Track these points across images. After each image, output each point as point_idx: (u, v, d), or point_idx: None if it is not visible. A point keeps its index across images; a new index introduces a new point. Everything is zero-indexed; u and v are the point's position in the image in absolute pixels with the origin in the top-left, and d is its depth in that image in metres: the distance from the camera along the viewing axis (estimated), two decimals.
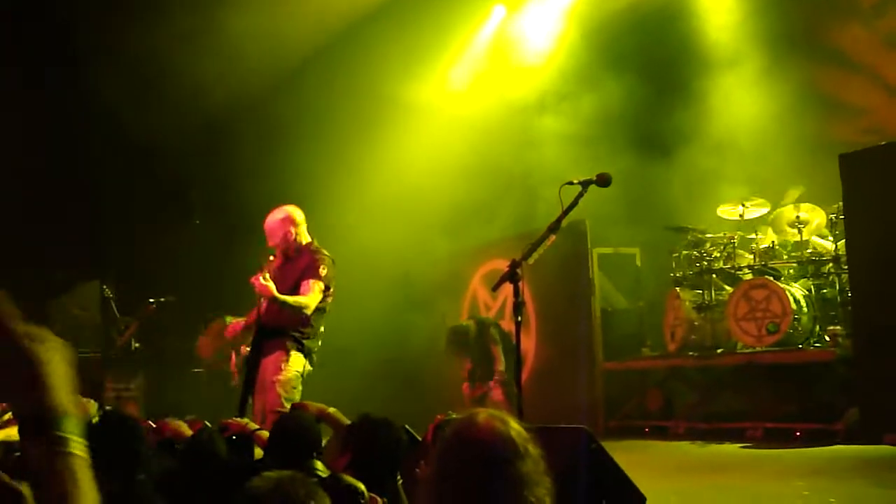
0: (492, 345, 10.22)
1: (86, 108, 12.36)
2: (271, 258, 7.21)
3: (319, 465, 4.23)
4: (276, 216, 7.46)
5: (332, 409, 5.11)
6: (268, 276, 7.01)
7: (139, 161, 12.84)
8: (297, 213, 7.48)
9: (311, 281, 7.13)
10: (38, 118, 12.19)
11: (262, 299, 7.16)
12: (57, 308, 12.39)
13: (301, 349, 7.19)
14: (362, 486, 3.79)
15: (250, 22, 11.86)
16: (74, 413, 1.67)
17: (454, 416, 2.56)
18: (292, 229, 7.39)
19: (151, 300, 12.01)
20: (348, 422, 4.93)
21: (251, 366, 7.25)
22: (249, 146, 13.34)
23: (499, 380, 10.05)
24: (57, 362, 1.68)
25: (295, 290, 7.15)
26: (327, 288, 7.23)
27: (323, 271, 7.17)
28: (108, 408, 5.88)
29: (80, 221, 12.73)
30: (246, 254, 8.76)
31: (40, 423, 1.64)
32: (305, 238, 7.45)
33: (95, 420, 5.44)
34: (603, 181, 5.36)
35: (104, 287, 12.46)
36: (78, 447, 1.66)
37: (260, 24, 11.96)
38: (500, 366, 10.12)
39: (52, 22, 12.19)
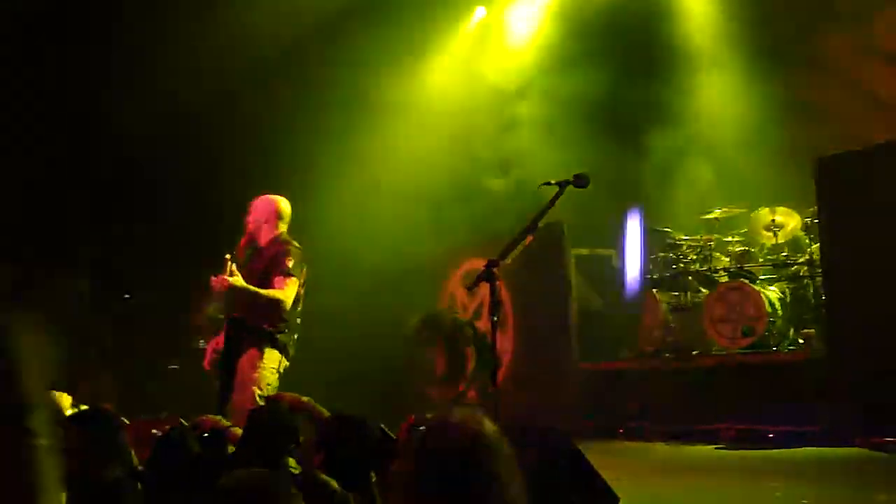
0: (465, 346, 10.13)
1: (64, 100, 12.27)
2: (228, 257, 7.06)
3: (292, 461, 4.22)
4: (268, 199, 7.43)
5: (306, 399, 5.09)
6: (234, 269, 6.92)
7: (114, 153, 12.75)
8: (286, 208, 7.46)
9: (281, 276, 7.05)
10: (16, 109, 12.10)
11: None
12: (32, 303, 12.29)
13: (275, 345, 7.13)
14: (335, 484, 3.78)
15: (229, 16, 11.83)
16: (43, 406, 1.66)
17: (428, 415, 2.57)
18: (275, 219, 7.36)
19: (127, 295, 11.94)
20: (325, 411, 4.91)
21: (226, 364, 7.21)
22: (230, 139, 13.25)
23: (470, 381, 9.93)
24: (31, 355, 1.68)
25: (265, 280, 7.08)
26: (296, 279, 7.10)
27: (290, 262, 7.06)
28: (83, 406, 5.83)
29: (54, 215, 12.63)
30: (224, 249, 8.72)
31: (7, 413, 1.64)
32: (279, 231, 7.40)
33: (70, 413, 5.40)
34: (580, 182, 5.38)
35: (78, 282, 12.38)
36: (44, 440, 1.65)
37: (238, 18, 11.93)
38: (473, 371, 10.01)
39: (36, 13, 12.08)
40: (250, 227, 7.34)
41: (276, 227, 7.36)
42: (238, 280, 6.89)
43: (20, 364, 1.69)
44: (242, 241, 7.31)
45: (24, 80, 12.17)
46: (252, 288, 6.94)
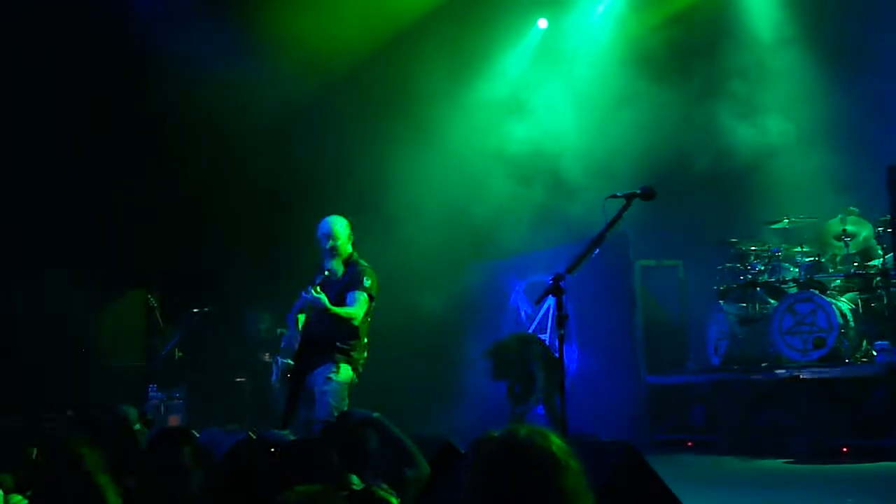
0: (533, 363, 10.00)
1: (134, 113, 12.48)
2: (327, 273, 7.31)
3: (354, 478, 4.22)
4: (338, 220, 7.55)
5: (377, 415, 5.10)
6: (318, 288, 7.12)
7: (185, 166, 12.94)
8: (349, 226, 7.59)
9: (357, 292, 7.26)
10: (83, 124, 12.34)
11: (310, 312, 7.30)
12: (104, 317, 12.54)
13: (349, 360, 7.26)
14: (395, 500, 3.78)
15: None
16: None
17: (495, 433, 2.56)
18: (345, 238, 7.49)
19: (195, 309, 12.09)
20: (395, 428, 4.92)
21: (296, 378, 7.32)
22: (294, 158, 13.36)
23: (540, 398, 9.81)
24: None
25: (340, 302, 7.26)
26: (371, 298, 7.32)
27: (367, 282, 7.31)
28: (149, 417, 5.92)
29: (125, 229, 12.85)
30: (291, 264, 8.81)
31: None
32: (349, 250, 7.54)
33: (137, 427, 5.47)
34: (647, 194, 5.34)
35: (149, 296, 12.57)
36: None
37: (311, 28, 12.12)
38: (541, 383, 9.84)
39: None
40: (326, 249, 7.45)
41: (347, 246, 7.50)
42: (323, 299, 7.09)
43: None
44: (320, 262, 7.47)
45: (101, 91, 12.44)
46: (333, 309, 7.16)
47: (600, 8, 13.54)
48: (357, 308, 7.25)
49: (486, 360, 10.29)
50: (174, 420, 11.53)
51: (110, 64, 12.35)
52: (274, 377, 11.62)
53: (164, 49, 12.17)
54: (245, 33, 12.12)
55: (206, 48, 12.13)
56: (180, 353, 12.24)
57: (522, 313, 13.30)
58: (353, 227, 7.62)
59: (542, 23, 14.10)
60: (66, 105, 12.06)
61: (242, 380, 12.94)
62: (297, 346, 7.52)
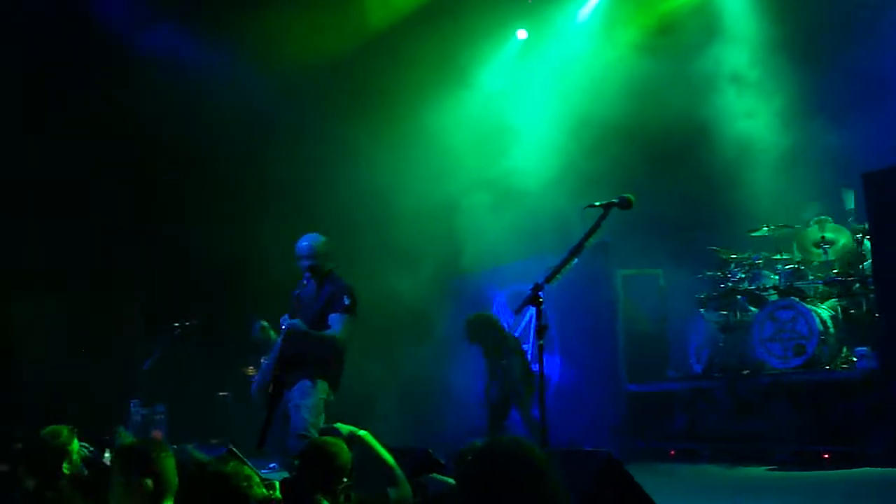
0: (513, 358, 9.80)
1: (123, 119, 12.45)
2: (305, 284, 7.30)
3: (325, 501, 4.22)
4: (317, 238, 7.56)
5: (363, 432, 5.08)
6: (301, 322, 7.12)
7: (161, 180, 12.92)
8: (331, 243, 7.61)
9: (339, 314, 7.27)
10: (75, 138, 12.32)
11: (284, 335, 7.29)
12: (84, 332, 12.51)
13: (326, 376, 7.26)
14: None
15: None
16: None
17: (477, 442, 2.58)
18: (326, 257, 7.50)
19: (177, 323, 12.03)
20: (379, 445, 4.91)
21: (274, 396, 7.30)
22: (275, 177, 13.33)
23: (511, 393, 9.63)
24: None
25: (321, 318, 7.25)
26: (354, 317, 7.37)
27: (347, 301, 7.33)
28: (126, 430, 5.87)
29: (107, 241, 12.82)
30: (277, 278, 8.79)
31: None
32: (328, 267, 7.55)
33: (76, 449, 5.36)
34: (624, 203, 5.36)
35: (132, 309, 12.53)
36: None
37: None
38: (517, 384, 9.67)
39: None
40: (306, 268, 7.46)
41: (326, 263, 7.51)
42: (302, 326, 7.15)
43: None
44: (302, 281, 7.48)
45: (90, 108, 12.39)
46: (313, 333, 7.18)
47: (582, 15, 13.59)
48: (342, 331, 7.28)
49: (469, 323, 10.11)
50: (157, 435, 11.50)
51: (72, 70, 12.31)
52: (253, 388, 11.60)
53: (129, 55, 12.20)
54: (218, 38, 12.15)
55: (176, 53, 12.14)
56: (162, 367, 12.20)
57: (504, 324, 13.27)
58: (333, 242, 7.62)
59: (522, 33, 14.15)
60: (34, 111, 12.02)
61: (226, 394, 12.91)
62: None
